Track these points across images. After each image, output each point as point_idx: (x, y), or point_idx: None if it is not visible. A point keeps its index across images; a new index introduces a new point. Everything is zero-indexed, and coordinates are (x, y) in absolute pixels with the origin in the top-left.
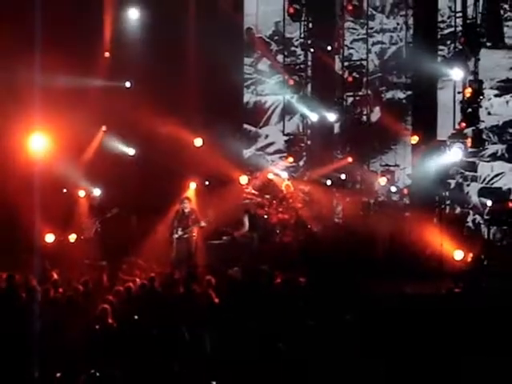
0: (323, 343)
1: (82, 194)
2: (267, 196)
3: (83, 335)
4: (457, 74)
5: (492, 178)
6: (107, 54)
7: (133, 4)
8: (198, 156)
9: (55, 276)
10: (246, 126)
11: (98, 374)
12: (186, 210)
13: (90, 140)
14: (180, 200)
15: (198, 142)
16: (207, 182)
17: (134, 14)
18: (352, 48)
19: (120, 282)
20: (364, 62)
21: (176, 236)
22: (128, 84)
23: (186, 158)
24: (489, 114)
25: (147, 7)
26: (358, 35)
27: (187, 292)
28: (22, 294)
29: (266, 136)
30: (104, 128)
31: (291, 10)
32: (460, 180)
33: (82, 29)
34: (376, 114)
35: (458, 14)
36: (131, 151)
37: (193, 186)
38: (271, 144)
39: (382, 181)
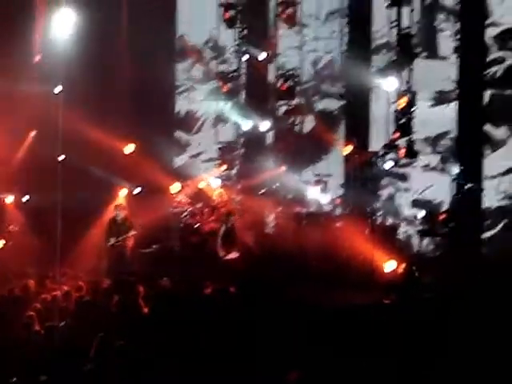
0: (253, 353)
1: (9, 200)
2: (199, 205)
3: (10, 342)
4: (390, 84)
5: (424, 190)
6: (38, 58)
7: (64, 7)
8: (128, 163)
9: None
10: (178, 133)
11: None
12: (119, 218)
13: (18, 146)
14: (113, 207)
15: (129, 148)
16: (138, 190)
17: (65, 18)
18: (286, 56)
19: (47, 290)
20: (298, 71)
21: (109, 243)
22: (58, 89)
23: (116, 164)
24: (422, 125)
25: (79, 12)
26: (292, 43)
27: (116, 301)
28: None
29: (199, 144)
30: (33, 133)
31: (226, 16)
32: (392, 191)
33: (12, 32)
34: (309, 124)
35: (392, 24)
36: (61, 157)
37: (123, 193)
38: (204, 152)
39: (315, 190)
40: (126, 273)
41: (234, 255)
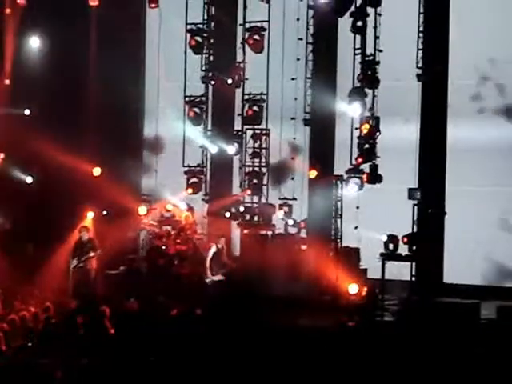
0: (219, 373)
1: None
2: (166, 227)
3: None
4: (355, 109)
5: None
6: (7, 82)
7: (34, 32)
8: (96, 185)
9: None
10: (145, 156)
11: None
12: (84, 239)
13: None
14: (78, 229)
15: (97, 171)
16: (105, 212)
17: (35, 42)
18: (253, 81)
19: (15, 310)
20: (264, 96)
21: (73, 265)
22: (27, 111)
23: (84, 186)
24: (386, 149)
25: (48, 36)
26: (259, 69)
27: (83, 322)
28: None
29: (166, 166)
30: (2, 155)
31: (193, 43)
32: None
33: None
34: (275, 148)
35: (357, 51)
36: (29, 179)
37: (90, 215)
38: (171, 175)
39: (280, 214)
40: (92, 294)
41: (219, 277)
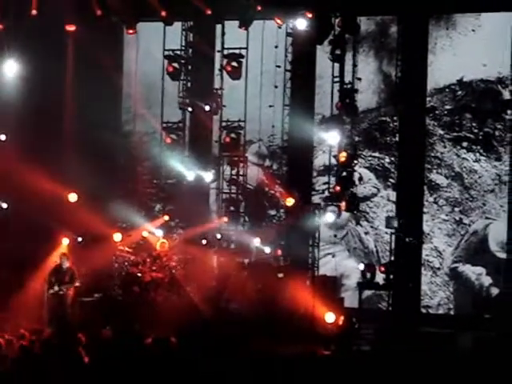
0: None
1: None
2: (141, 254)
3: None
4: (332, 138)
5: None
6: None
7: (9, 57)
8: (71, 211)
9: None
10: (121, 182)
11: None
12: (64, 267)
13: None
14: (57, 256)
15: (73, 197)
16: (80, 239)
17: (11, 68)
18: (230, 108)
19: None
20: (242, 123)
21: (51, 292)
22: (3, 137)
23: (59, 213)
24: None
25: (25, 61)
26: (236, 95)
27: (57, 349)
28: None
29: (143, 193)
30: None
31: (170, 69)
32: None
33: None
34: (252, 175)
35: (335, 79)
36: (3, 204)
37: (65, 241)
38: (147, 201)
39: (256, 241)
40: (67, 321)
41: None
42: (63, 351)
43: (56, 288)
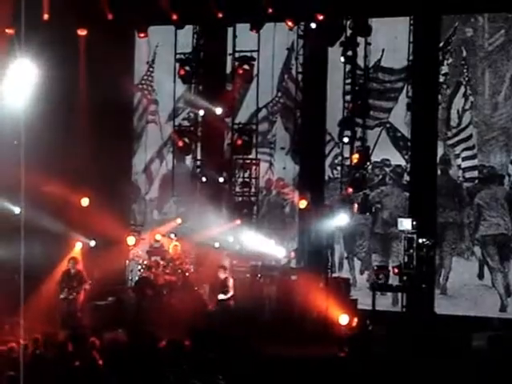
0: None
1: None
2: (154, 257)
3: None
4: (345, 139)
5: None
6: None
7: (21, 62)
8: (84, 216)
9: None
10: (134, 187)
11: None
12: (73, 271)
13: None
14: (67, 260)
15: (85, 201)
16: (93, 243)
17: (22, 72)
18: (242, 111)
19: (2, 342)
20: (253, 126)
21: (62, 296)
22: (15, 142)
23: (72, 217)
24: None
25: (36, 65)
26: (248, 98)
27: (71, 353)
28: None
29: (156, 197)
30: None
31: (182, 72)
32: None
33: None
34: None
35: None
36: (16, 210)
37: (78, 246)
38: (160, 205)
39: (270, 244)
40: (80, 325)
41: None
42: (78, 355)
43: (65, 293)
